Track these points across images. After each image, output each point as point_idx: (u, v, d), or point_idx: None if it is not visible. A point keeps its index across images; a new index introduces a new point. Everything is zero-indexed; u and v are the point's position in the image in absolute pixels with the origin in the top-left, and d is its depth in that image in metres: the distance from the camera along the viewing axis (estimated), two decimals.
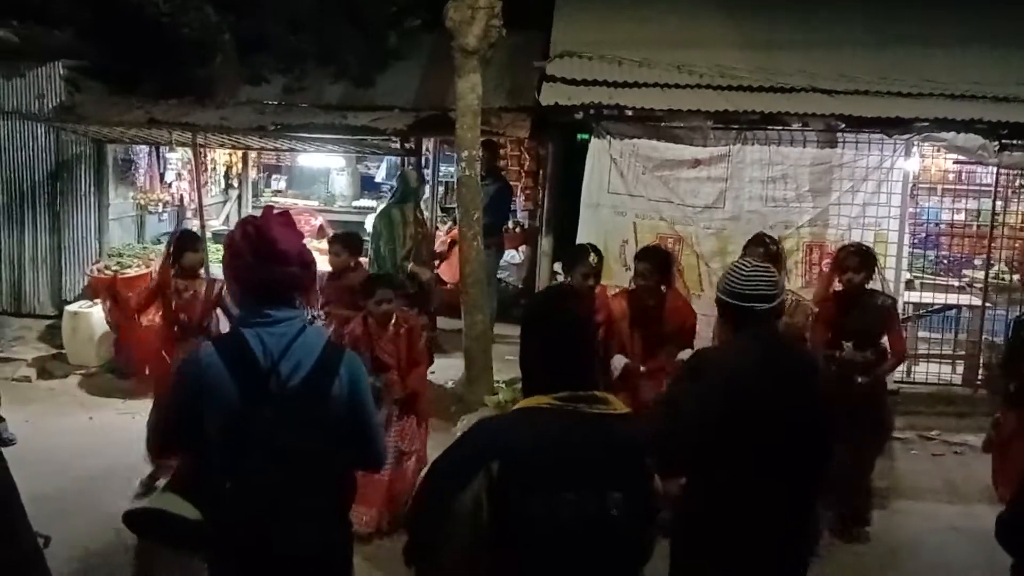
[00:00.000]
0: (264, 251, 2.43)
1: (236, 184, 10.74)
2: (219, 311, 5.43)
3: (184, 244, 5.52)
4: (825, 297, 5.33)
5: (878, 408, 5.08)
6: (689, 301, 5.59)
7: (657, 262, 4.97)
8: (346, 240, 6.29)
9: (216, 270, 8.19)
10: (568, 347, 2.14)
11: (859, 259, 4.94)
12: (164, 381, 5.23)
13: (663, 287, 5.01)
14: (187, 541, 2.47)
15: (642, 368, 4.99)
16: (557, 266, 7.81)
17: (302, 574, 2.45)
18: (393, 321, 4.86)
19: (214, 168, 10.22)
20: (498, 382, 6.84)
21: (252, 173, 10.90)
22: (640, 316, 5.01)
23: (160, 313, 5.49)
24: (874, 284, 5.24)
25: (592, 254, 5.06)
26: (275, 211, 2.58)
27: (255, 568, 2.42)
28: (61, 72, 8.31)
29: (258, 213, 2.60)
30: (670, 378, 3.37)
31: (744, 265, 2.84)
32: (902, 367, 7.29)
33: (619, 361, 4.94)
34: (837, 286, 5.12)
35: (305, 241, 2.71)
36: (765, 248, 5.12)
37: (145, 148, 9.13)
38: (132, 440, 5.55)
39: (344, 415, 2.45)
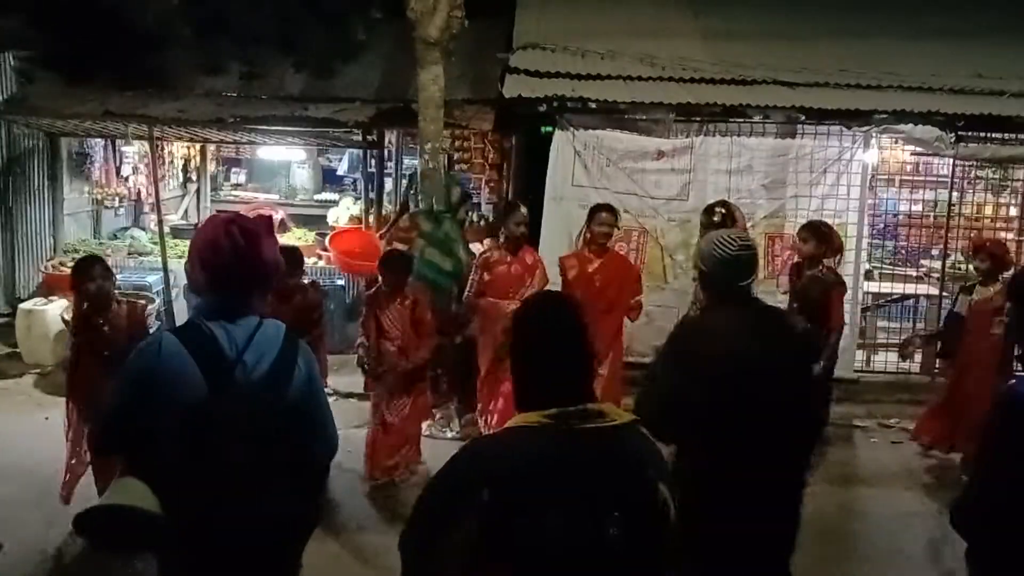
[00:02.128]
0: (248, 260, 2.43)
1: (195, 178, 10.58)
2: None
3: (82, 277, 4.52)
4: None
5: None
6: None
7: (616, 215, 5.77)
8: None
9: (173, 265, 8.07)
10: (557, 362, 2.04)
11: (808, 231, 5.53)
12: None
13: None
14: (142, 539, 2.41)
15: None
16: None
17: (260, 561, 2.42)
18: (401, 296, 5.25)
19: (172, 161, 10.06)
20: None
21: (211, 166, 10.75)
22: (588, 273, 5.65)
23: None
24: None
25: (521, 205, 5.90)
26: (256, 216, 2.59)
27: (215, 559, 2.37)
28: (11, 63, 8.10)
29: (238, 211, 2.58)
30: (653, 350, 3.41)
31: (731, 240, 2.87)
32: (861, 356, 7.43)
33: None
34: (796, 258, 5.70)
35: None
36: (718, 215, 5.47)
37: (100, 141, 8.95)
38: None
39: (303, 404, 2.49)
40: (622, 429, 2.02)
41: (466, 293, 5.89)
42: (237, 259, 2.41)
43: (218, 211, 7.62)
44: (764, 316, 2.95)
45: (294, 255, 5.50)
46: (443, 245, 6.39)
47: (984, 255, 5.68)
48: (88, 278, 4.49)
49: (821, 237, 5.53)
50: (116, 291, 4.74)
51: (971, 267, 8.03)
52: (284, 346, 2.47)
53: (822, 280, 5.50)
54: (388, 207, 9.07)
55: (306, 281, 5.84)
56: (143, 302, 5.34)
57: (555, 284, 5.79)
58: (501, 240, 5.99)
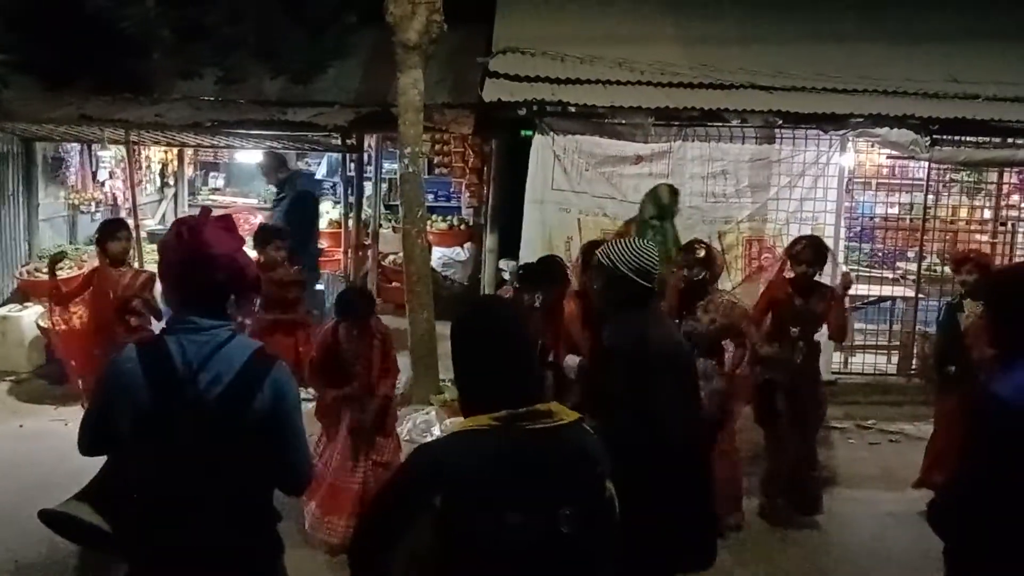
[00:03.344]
0: (194, 255, 2.34)
1: (172, 182, 10.50)
2: (142, 303, 5.38)
3: (106, 234, 5.47)
4: (779, 281, 5.33)
5: (815, 385, 5.25)
6: None
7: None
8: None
9: (153, 269, 8.01)
10: (500, 365, 2.05)
11: (811, 252, 5.03)
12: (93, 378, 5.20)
13: None
14: (95, 544, 2.45)
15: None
16: (503, 263, 7.81)
17: None
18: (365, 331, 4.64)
19: (149, 166, 9.97)
20: (443, 380, 6.81)
21: (189, 171, 10.67)
22: (591, 315, 4.85)
23: (88, 310, 5.46)
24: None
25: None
26: (215, 215, 2.48)
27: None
28: None
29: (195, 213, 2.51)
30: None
31: (640, 244, 3.32)
32: (839, 357, 7.49)
33: (572, 361, 4.83)
34: (790, 274, 5.21)
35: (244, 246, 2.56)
36: (695, 253, 4.94)
37: (76, 146, 8.86)
38: (65, 448, 5.42)
39: (264, 431, 2.33)
40: (570, 427, 2.05)
41: None
42: (185, 256, 2.35)
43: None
44: (670, 323, 3.54)
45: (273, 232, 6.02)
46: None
47: (971, 267, 5.15)
48: (110, 236, 5.43)
49: (823, 259, 5.12)
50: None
51: (947, 269, 8.19)
52: (247, 367, 2.33)
53: (826, 297, 5.16)
54: (367, 212, 9.05)
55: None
56: (146, 272, 5.71)
57: None
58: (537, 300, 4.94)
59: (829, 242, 6.89)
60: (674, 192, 5.97)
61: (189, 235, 2.36)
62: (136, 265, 7.83)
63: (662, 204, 5.89)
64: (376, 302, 5.02)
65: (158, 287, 6.04)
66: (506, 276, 7.49)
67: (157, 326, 7.02)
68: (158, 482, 2.30)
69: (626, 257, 3.22)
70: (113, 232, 5.47)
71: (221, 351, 2.33)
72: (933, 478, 5.11)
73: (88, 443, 2.49)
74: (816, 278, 5.11)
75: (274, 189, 8.56)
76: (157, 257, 2.52)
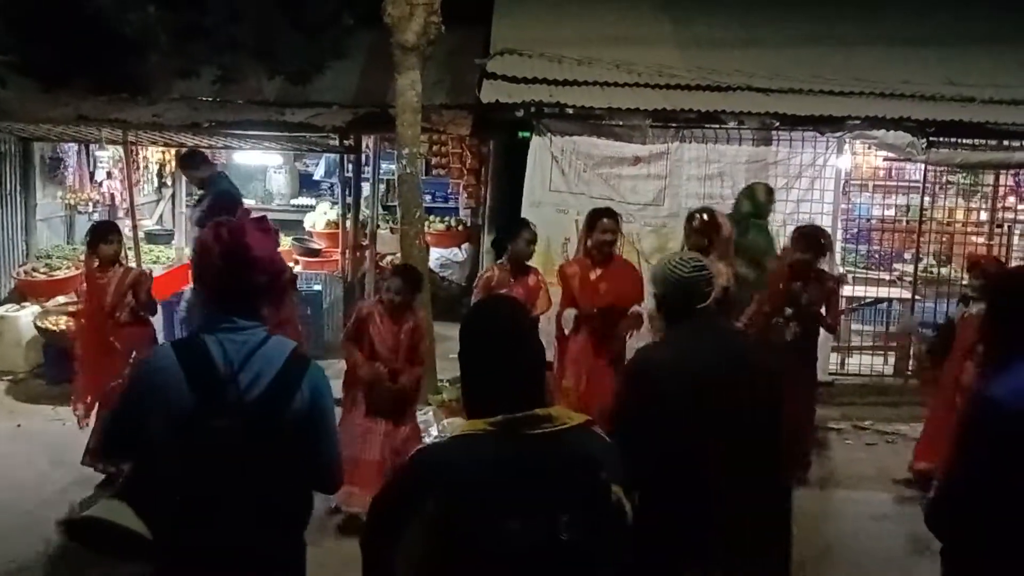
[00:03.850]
0: (236, 257, 2.34)
1: (170, 183, 10.48)
2: (131, 301, 5.37)
3: (98, 236, 5.44)
4: (780, 268, 5.59)
5: (809, 360, 5.64)
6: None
7: (617, 220, 5.46)
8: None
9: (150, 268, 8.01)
10: (499, 369, 2.02)
11: (804, 242, 5.39)
12: (97, 378, 5.28)
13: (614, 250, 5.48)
14: (130, 554, 2.37)
15: (595, 309, 5.29)
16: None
17: None
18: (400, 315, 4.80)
19: (147, 166, 9.97)
20: (442, 381, 6.82)
21: None
22: (591, 281, 5.40)
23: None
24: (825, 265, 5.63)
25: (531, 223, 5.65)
26: (252, 215, 2.49)
27: None
28: None
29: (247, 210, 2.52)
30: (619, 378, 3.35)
31: (683, 263, 2.83)
32: (835, 359, 7.51)
33: (569, 314, 5.18)
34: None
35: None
36: (698, 221, 5.43)
37: (74, 146, 8.85)
38: (63, 448, 5.44)
39: (301, 431, 2.35)
40: (572, 432, 2.00)
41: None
42: (227, 257, 2.34)
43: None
44: (725, 338, 2.91)
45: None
46: (747, 253, 5.80)
47: (978, 272, 5.43)
48: (103, 239, 5.36)
49: (817, 247, 5.42)
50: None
51: (944, 271, 8.23)
52: (286, 367, 2.34)
53: (823, 283, 5.49)
54: (365, 212, 9.05)
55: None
56: (136, 270, 5.68)
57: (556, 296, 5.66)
58: (505, 259, 5.57)
59: None
60: (769, 191, 6.32)
61: (230, 236, 2.35)
62: (132, 264, 7.87)
63: (758, 202, 6.17)
64: (420, 290, 5.12)
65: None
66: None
67: (157, 322, 7.07)
68: (194, 482, 2.29)
69: (658, 276, 2.88)
70: (105, 235, 5.44)
71: (260, 351, 2.34)
72: (919, 465, 5.51)
73: (112, 444, 2.46)
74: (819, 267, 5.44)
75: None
76: (194, 256, 2.48)
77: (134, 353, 5.13)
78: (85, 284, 5.49)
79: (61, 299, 7.33)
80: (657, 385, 2.68)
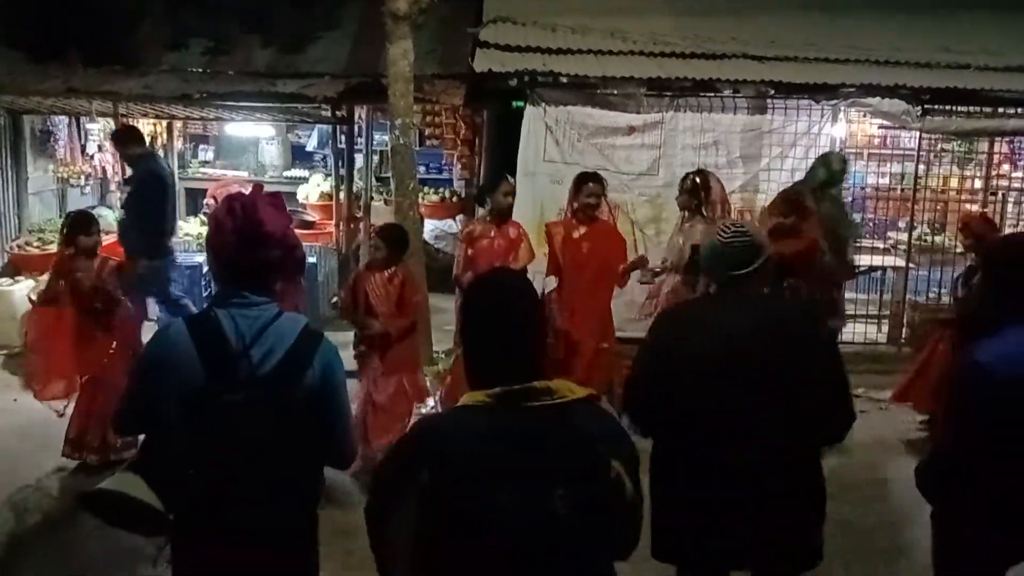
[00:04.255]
0: (248, 231, 2.34)
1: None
2: (111, 290, 5.24)
3: (76, 228, 5.26)
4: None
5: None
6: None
7: (603, 185, 5.67)
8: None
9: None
10: (499, 341, 2.01)
11: (785, 206, 5.49)
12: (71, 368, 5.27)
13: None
14: (144, 526, 2.40)
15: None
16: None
17: (263, 563, 2.37)
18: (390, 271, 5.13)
19: None
20: (437, 352, 6.84)
21: (178, 143, 10.58)
22: (574, 240, 5.60)
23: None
24: None
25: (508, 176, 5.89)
26: (264, 192, 2.49)
27: (216, 555, 2.36)
28: None
29: (247, 191, 2.50)
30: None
31: (724, 229, 2.93)
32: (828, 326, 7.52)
33: (552, 281, 5.47)
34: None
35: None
36: (689, 183, 5.67)
37: (64, 119, 8.79)
38: (59, 422, 5.45)
39: (314, 406, 2.36)
40: (571, 406, 1.98)
41: (454, 272, 5.81)
42: (240, 233, 2.34)
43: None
44: (762, 304, 2.97)
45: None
46: (823, 224, 5.69)
47: (967, 233, 5.63)
48: (83, 230, 5.20)
49: (795, 209, 5.51)
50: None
51: (938, 240, 8.26)
52: (299, 342, 2.36)
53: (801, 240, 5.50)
54: (359, 184, 9.02)
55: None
56: (113, 260, 5.51)
57: (540, 256, 5.80)
58: (487, 211, 5.85)
59: None
60: (843, 160, 6.44)
61: (243, 212, 2.36)
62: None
63: (833, 170, 6.19)
64: (407, 247, 5.33)
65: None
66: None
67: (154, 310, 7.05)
68: (205, 456, 2.30)
69: (704, 241, 3.08)
70: (87, 226, 5.28)
71: (272, 326, 2.35)
72: (908, 396, 5.92)
73: (127, 421, 2.48)
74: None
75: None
76: (208, 232, 2.49)
77: (114, 344, 5.15)
78: (58, 275, 5.27)
79: None
80: (673, 338, 2.87)
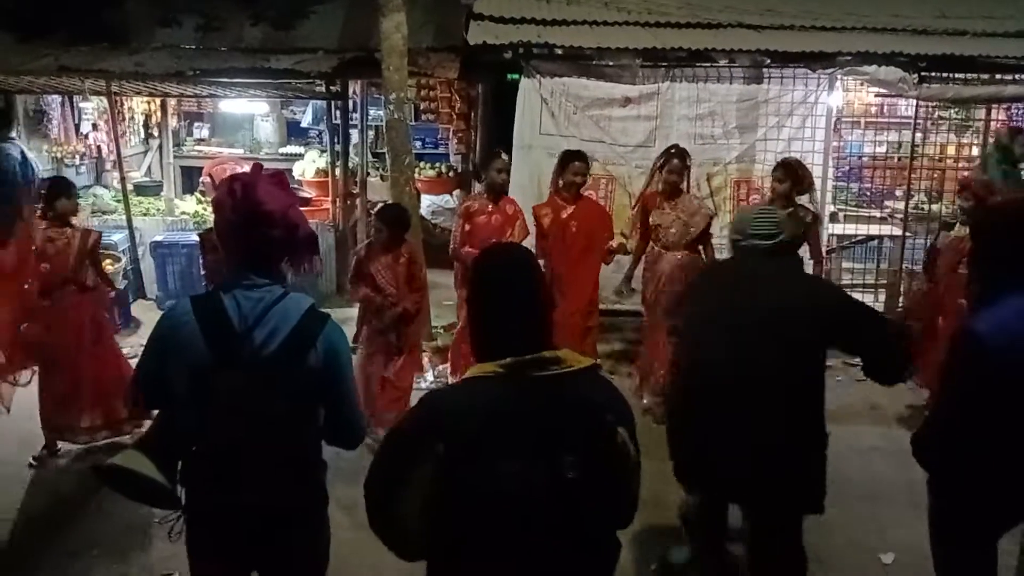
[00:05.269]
0: (247, 211, 2.35)
1: (156, 133, 10.37)
2: (91, 264, 5.16)
3: (57, 191, 5.08)
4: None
5: None
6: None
7: (587, 163, 5.82)
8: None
9: (138, 223, 8.00)
10: (509, 313, 2.05)
11: (782, 170, 5.58)
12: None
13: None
14: (153, 500, 2.45)
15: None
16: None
17: (267, 540, 2.41)
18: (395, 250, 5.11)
19: (132, 117, 9.85)
20: (436, 327, 6.86)
21: (172, 121, 10.52)
22: (562, 219, 5.69)
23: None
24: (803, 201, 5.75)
25: (503, 152, 5.94)
26: (265, 171, 2.49)
27: (221, 532, 2.40)
28: None
29: (247, 169, 2.50)
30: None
31: (752, 209, 3.55)
32: None
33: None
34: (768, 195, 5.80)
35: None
36: (665, 156, 5.76)
37: (58, 98, 8.72)
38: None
39: (318, 387, 2.38)
40: (578, 375, 2.02)
41: (451, 246, 5.83)
42: (240, 214, 2.35)
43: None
44: (767, 268, 3.32)
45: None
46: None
47: (969, 194, 5.62)
48: (63, 193, 5.05)
49: (795, 176, 5.56)
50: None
51: (935, 208, 8.25)
52: (302, 323, 2.37)
53: (800, 219, 5.50)
54: (354, 160, 8.99)
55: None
56: (96, 231, 5.45)
57: (532, 233, 5.80)
58: (482, 188, 5.87)
59: (817, 182, 6.95)
60: (1015, 132, 6.65)
61: (243, 192, 2.36)
62: (123, 218, 7.84)
63: (1003, 144, 6.46)
64: (408, 226, 5.29)
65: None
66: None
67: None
68: (209, 435, 2.34)
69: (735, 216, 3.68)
70: (67, 188, 5.13)
71: (276, 307, 2.36)
72: None
73: (135, 398, 2.51)
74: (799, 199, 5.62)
75: None
76: (213, 215, 2.50)
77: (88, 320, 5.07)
78: (34, 245, 4.97)
79: None
80: (691, 288, 3.77)
